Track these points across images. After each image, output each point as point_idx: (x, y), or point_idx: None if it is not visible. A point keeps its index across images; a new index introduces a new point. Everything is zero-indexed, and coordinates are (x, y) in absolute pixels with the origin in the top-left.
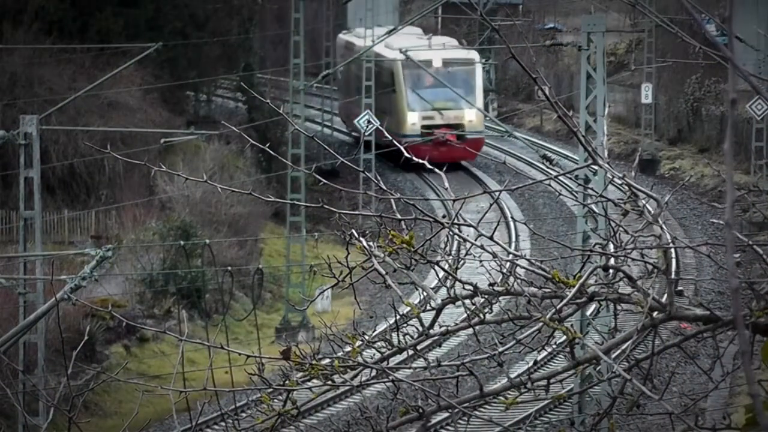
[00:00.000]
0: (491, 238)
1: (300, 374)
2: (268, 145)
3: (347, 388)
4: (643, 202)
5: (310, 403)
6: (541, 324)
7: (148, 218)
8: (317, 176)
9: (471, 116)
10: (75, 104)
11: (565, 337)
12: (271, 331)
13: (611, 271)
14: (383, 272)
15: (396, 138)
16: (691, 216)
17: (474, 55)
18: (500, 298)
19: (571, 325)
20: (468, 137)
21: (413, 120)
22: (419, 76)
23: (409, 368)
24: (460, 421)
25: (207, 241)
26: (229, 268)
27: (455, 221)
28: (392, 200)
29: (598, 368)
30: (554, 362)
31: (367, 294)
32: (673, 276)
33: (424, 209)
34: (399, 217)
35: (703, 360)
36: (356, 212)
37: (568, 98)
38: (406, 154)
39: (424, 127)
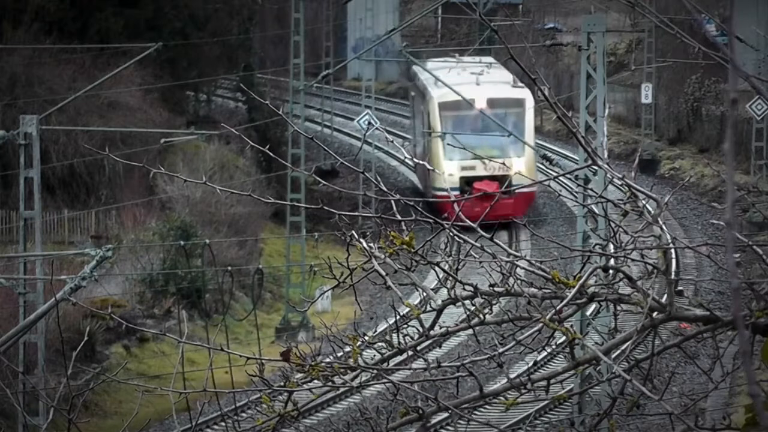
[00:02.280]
0: (491, 238)
1: (300, 375)
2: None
3: (347, 388)
4: (643, 202)
5: (310, 403)
6: (541, 325)
7: (148, 218)
8: (317, 177)
9: (520, 165)
10: (75, 104)
11: (564, 338)
12: (271, 332)
13: (611, 271)
14: (383, 273)
15: (431, 190)
16: (691, 216)
17: (525, 94)
18: (500, 298)
19: (571, 326)
20: (516, 191)
21: (451, 170)
22: (460, 119)
23: (409, 369)
24: (459, 422)
25: (207, 241)
26: (229, 268)
27: (455, 222)
28: (392, 201)
29: (598, 369)
30: (554, 363)
31: (367, 294)
32: (673, 276)
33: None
34: (399, 218)
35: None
36: (356, 213)
37: (568, 98)
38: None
39: (463, 179)
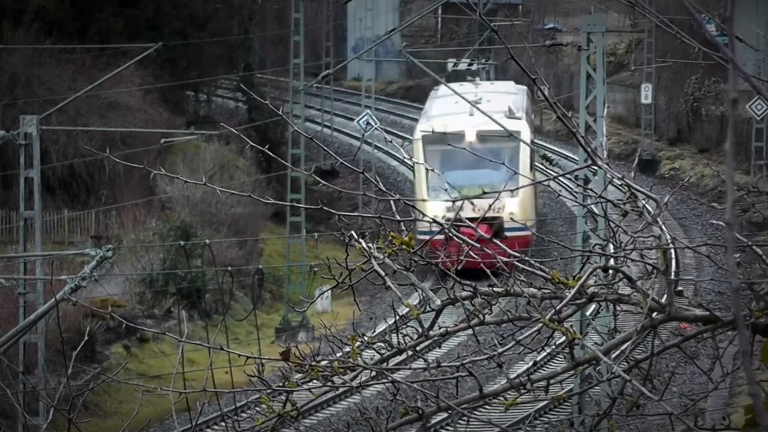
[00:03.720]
0: (491, 239)
1: (299, 375)
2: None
3: (347, 389)
4: (643, 202)
5: (309, 403)
6: (540, 325)
7: (148, 218)
8: (316, 177)
9: (513, 206)
10: (75, 104)
11: (564, 338)
12: (271, 332)
13: (611, 271)
14: (382, 273)
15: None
16: (691, 216)
17: (520, 125)
18: (500, 298)
19: (571, 326)
20: (508, 234)
21: (436, 211)
22: (447, 154)
23: (409, 369)
24: (459, 422)
25: (207, 241)
26: (229, 268)
27: (455, 222)
28: (392, 201)
29: (597, 369)
30: (554, 363)
31: (367, 294)
32: (672, 276)
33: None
34: (399, 218)
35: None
36: (356, 213)
37: (567, 98)
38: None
39: (450, 220)
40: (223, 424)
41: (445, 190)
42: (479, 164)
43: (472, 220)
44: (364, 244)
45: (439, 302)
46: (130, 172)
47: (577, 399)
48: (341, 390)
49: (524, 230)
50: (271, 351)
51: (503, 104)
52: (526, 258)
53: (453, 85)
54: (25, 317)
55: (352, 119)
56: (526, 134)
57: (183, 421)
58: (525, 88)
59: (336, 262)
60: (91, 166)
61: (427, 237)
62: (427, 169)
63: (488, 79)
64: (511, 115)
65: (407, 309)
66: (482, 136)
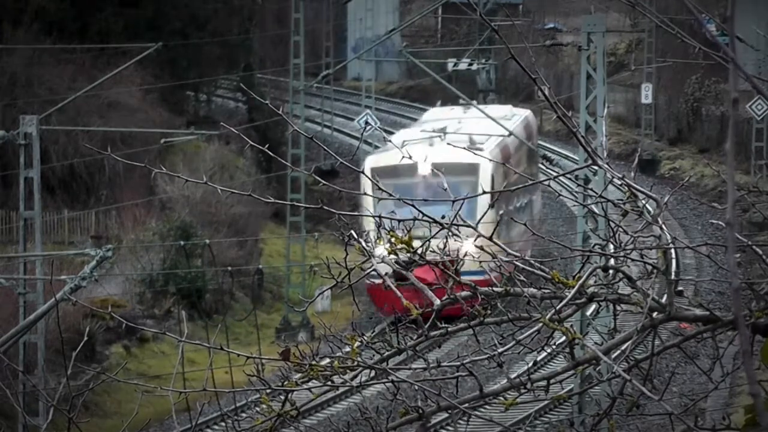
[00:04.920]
0: (490, 238)
1: (299, 375)
2: (267, 146)
3: (347, 388)
4: (643, 202)
5: (309, 403)
6: (540, 325)
7: (148, 218)
8: (316, 177)
9: (470, 247)
10: (75, 104)
11: (564, 338)
12: (271, 332)
13: (611, 271)
14: (382, 273)
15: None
16: (691, 216)
17: (481, 159)
18: (500, 298)
19: (571, 326)
20: (463, 279)
21: (384, 253)
22: (399, 188)
23: (409, 369)
24: (459, 422)
25: (207, 241)
26: (229, 268)
27: (454, 222)
28: (392, 201)
29: (597, 369)
30: (554, 363)
31: (367, 294)
32: (672, 276)
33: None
34: (398, 217)
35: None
36: (355, 213)
37: (568, 98)
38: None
39: (399, 263)
40: (223, 424)
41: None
42: (435, 200)
43: (429, 263)
44: (363, 244)
45: (438, 302)
46: (130, 172)
47: (577, 399)
48: (341, 390)
49: (483, 274)
50: (271, 351)
51: (481, 132)
52: (527, 258)
53: (441, 109)
54: (25, 317)
55: (352, 119)
56: (486, 167)
57: (183, 421)
58: (528, 112)
59: (336, 261)
60: (91, 166)
61: (376, 280)
62: (374, 205)
63: (488, 79)
64: (472, 145)
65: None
66: (440, 169)
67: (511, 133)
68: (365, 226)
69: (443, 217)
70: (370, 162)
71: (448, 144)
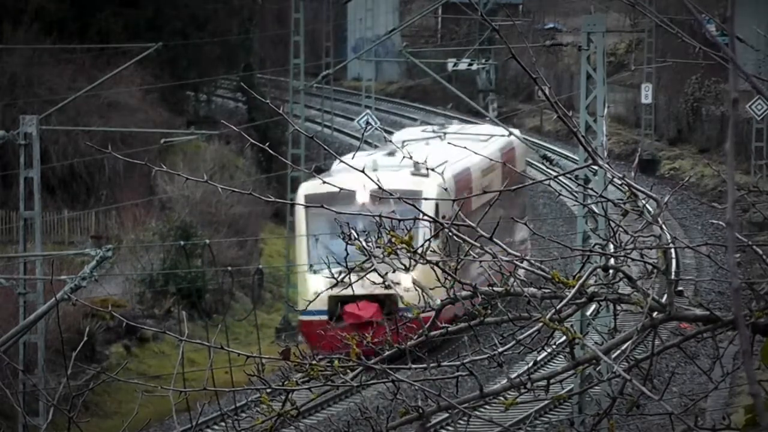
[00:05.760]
0: (490, 238)
1: (299, 375)
2: (267, 144)
3: (347, 388)
4: (643, 202)
5: (309, 403)
6: (540, 324)
7: (148, 218)
8: (317, 176)
9: (409, 281)
10: (75, 104)
11: (564, 338)
12: (271, 331)
13: (611, 271)
14: (383, 272)
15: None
16: (691, 216)
17: (424, 184)
18: (500, 298)
19: (571, 326)
20: (402, 315)
21: (317, 286)
22: (333, 219)
23: (409, 368)
24: (459, 422)
25: (207, 241)
26: (229, 268)
27: (455, 221)
28: (391, 200)
29: (598, 368)
30: (554, 362)
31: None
32: (673, 276)
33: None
34: (398, 217)
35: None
36: (355, 212)
37: (568, 98)
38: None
39: (333, 298)
40: (223, 424)
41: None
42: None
43: (358, 297)
44: (363, 243)
45: (438, 302)
46: (130, 172)
47: (578, 399)
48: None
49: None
50: (271, 351)
51: (439, 156)
52: (526, 258)
53: (411, 129)
54: (25, 317)
55: (352, 119)
56: (431, 191)
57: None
58: (511, 137)
59: (335, 261)
60: (91, 166)
61: (307, 318)
62: (308, 237)
63: (488, 79)
64: (416, 171)
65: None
66: (376, 197)
67: (481, 155)
68: (299, 257)
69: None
70: (304, 189)
71: (395, 169)
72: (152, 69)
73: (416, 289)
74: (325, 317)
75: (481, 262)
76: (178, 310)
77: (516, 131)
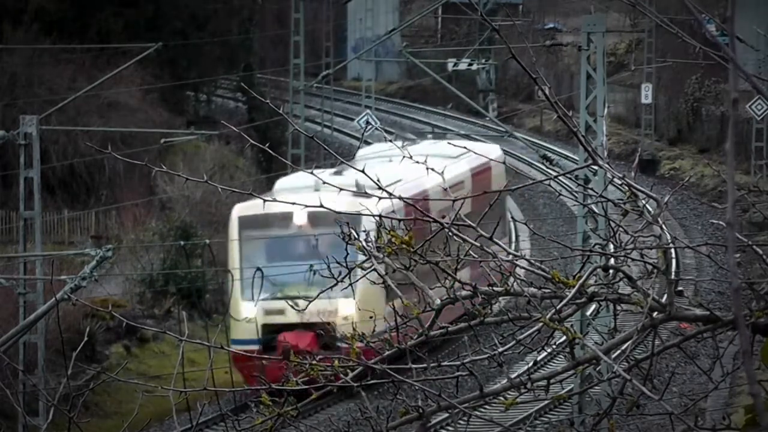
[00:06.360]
0: (491, 238)
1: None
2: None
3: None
4: (643, 202)
5: (308, 402)
6: (540, 324)
7: (148, 218)
8: (317, 176)
9: (348, 309)
10: (75, 104)
11: (564, 338)
12: None
13: (611, 271)
14: (382, 272)
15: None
16: (691, 216)
17: (369, 205)
18: (500, 298)
19: (571, 326)
20: (340, 345)
21: (249, 313)
22: (269, 242)
23: (409, 368)
24: (459, 422)
25: (207, 241)
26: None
27: (455, 221)
28: (391, 200)
29: (598, 368)
30: (554, 362)
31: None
32: (673, 276)
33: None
34: (398, 217)
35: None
36: (355, 212)
37: (568, 98)
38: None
39: (267, 326)
40: (223, 424)
41: (261, 288)
42: (312, 255)
43: (291, 326)
44: (363, 243)
45: (438, 302)
46: (130, 172)
47: (578, 399)
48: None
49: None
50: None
51: (397, 174)
52: (526, 258)
53: (375, 146)
54: (25, 317)
55: (352, 119)
56: (371, 219)
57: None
58: (486, 158)
59: (335, 261)
60: (91, 166)
61: (240, 347)
62: (239, 261)
63: (488, 79)
64: (359, 191)
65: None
66: (317, 219)
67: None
68: (231, 283)
69: (314, 274)
70: (238, 211)
71: (340, 190)
72: (152, 69)
73: (361, 311)
74: (257, 347)
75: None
76: (178, 310)
77: (497, 148)
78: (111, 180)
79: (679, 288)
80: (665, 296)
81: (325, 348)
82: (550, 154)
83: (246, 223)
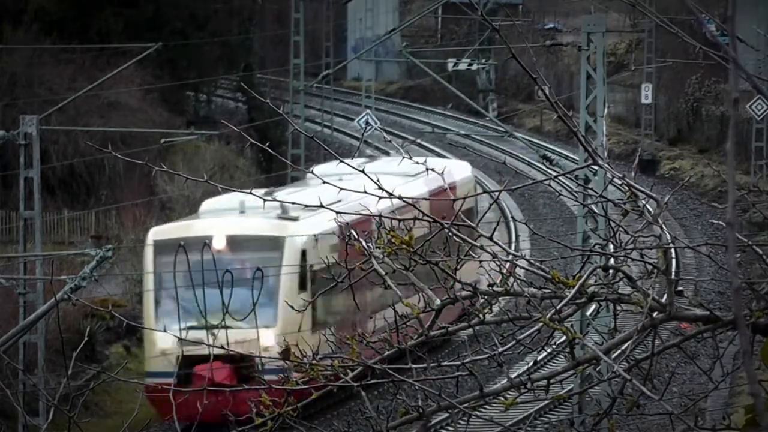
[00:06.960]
0: (491, 238)
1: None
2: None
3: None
4: (643, 202)
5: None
6: (540, 324)
7: (148, 218)
8: (317, 176)
9: (269, 339)
10: (75, 104)
11: (564, 338)
12: None
13: (611, 271)
14: (382, 272)
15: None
16: (691, 216)
17: (289, 230)
18: (500, 298)
19: (571, 326)
20: (260, 377)
21: (164, 345)
22: (193, 266)
23: (409, 368)
24: (459, 422)
25: (207, 241)
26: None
27: (455, 221)
28: (391, 200)
29: (598, 368)
30: (554, 362)
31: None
32: (673, 276)
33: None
34: (398, 217)
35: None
36: (355, 212)
37: (568, 98)
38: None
39: (185, 359)
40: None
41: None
42: (232, 281)
43: (209, 358)
44: (363, 243)
45: (438, 302)
46: (130, 172)
47: (578, 399)
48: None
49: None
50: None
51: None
52: (526, 258)
53: (328, 165)
54: (25, 317)
55: (352, 119)
56: (294, 242)
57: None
58: (456, 176)
59: (335, 261)
60: (91, 166)
61: (155, 380)
62: (154, 289)
63: (488, 79)
64: (283, 214)
65: (407, 308)
66: (237, 243)
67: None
68: (146, 311)
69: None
70: (153, 234)
71: (262, 212)
72: (152, 69)
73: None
74: (172, 380)
75: (481, 261)
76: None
77: (467, 166)
78: (111, 180)
79: (679, 288)
80: (665, 296)
81: (245, 380)
82: (550, 154)
83: (162, 247)
